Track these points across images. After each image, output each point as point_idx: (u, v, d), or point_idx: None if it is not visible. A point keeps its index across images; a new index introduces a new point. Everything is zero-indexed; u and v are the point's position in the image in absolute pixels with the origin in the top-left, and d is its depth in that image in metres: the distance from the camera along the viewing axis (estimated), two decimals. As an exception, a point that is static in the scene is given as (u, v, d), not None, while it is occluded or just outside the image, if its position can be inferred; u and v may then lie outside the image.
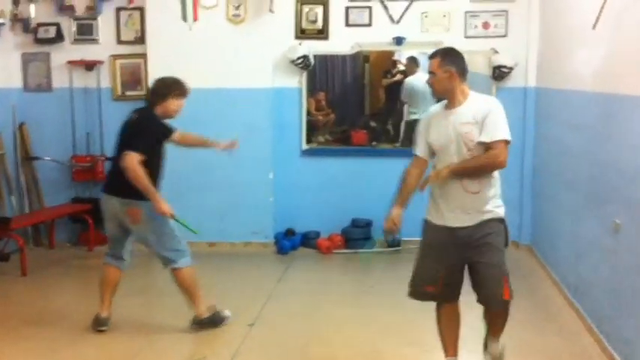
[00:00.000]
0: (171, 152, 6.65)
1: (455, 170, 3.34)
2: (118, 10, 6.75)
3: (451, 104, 3.42)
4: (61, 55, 6.80)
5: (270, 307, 5.09)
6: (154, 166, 4.34)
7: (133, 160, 4.11)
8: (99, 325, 4.50)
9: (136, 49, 6.70)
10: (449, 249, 3.46)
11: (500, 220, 3.46)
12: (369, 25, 6.62)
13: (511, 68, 6.44)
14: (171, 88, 4.44)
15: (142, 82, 6.72)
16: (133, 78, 6.79)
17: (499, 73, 6.45)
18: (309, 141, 6.95)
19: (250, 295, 5.34)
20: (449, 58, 3.40)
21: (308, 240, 6.70)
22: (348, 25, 6.64)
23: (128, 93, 6.74)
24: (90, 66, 6.73)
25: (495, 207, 3.44)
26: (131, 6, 6.71)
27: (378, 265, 6.29)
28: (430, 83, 3.46)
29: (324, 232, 6.73)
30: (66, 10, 6.74)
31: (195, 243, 6.46)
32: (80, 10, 6.76)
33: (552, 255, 5.72)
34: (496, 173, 3.43)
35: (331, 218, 6.72)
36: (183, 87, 4.50)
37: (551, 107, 5.91)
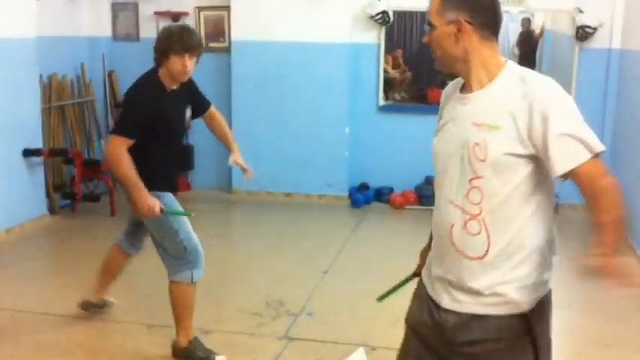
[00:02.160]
0: (247, 101, 6.85)
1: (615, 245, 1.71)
2: (205, -38, 6.92)
3: (466, 86, 1.93)
4: (149, 5, 7.03)
5: (344, 256, 5.26)
6: (158, 155, 3.40)
7: (114, 147, 3.25)
8: (86, 309, 4.01)
9: (221, 1, 6.86)
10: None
11: (519, 319, 1.84)
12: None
13: (595, 29, 6.30)
14: (171, 42, 3.27)
15: (225, 34, 6.90)
16: (216, 30, 6.97)
17: (582, 34, 6.32)
18: (385, 98, 7.01)
19: (324, 245, 5.52)
20: None
21: (381, 195, 6.82)
22: (429, -19, 6.60)
23: (211, 45, 6.92)
24: (175, 17, 6.94)
25: (511, 283, 1.83)
26: (217, -42, 6.86)
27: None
28: (428, 44, 1.95)
29: (397, 188, 6.83)
30: (154, -39, 6.96)
31: (273, 193, 6.76)
32: (168, -39, 6.96)
33: (630, 223, 5.64)
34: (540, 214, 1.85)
35: (405, 175, 6.80)
36: (186, 40, 3.28)
37: (636, 70, 5.78)
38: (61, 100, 6.47)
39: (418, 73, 8.11)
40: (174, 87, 3.41)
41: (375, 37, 6.78)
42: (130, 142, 3.26)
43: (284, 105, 6.74)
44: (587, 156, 1.72)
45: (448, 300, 1.91)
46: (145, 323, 3.98)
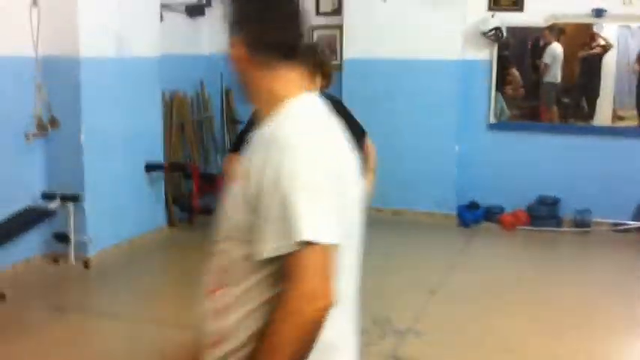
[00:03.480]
0: (363, 113, 6.89)
1: None
2: (319, -18, 7.08)
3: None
4: (264, 25, 7.26)
5: (453, 277, 5.22)
6: None
7: None
8: None
9: (333, 20, 6.99)
10: None
11: None
12: (567, -4, 6.40)
13: None
14: None
15: (337, 52, 7.03)
16: (329, 48, 7.09)
17: None
18: (496, 115, 6.91)
19: (432, 264, 5.50)
20: (241, 12, 1.55)
21: (491, 214, 6.70)
22: (545, -5, 6.48)
23: (323, 63, 7.07)
24: (290, 36, 7.13)
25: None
26: (330, -21, 7.01)
27: (564, 245, 6.18)
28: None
29: (507, 207, 6.70)
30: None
31: (381, 209, 6.79)
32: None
33: None
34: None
35: (516, 194, 6.65)
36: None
37: None
38: (181, 117, 6.80)
39: (530, 90, 7.93)
40: None
41: (487, 54, 6.71)
42: None
43: (393, 122, 6.77)
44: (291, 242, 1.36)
45: None
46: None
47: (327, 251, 1.38)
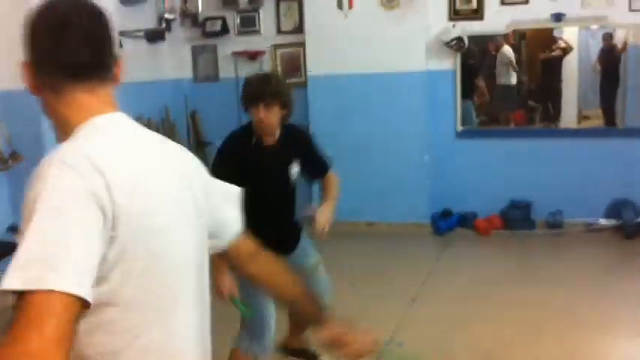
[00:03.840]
0: (326, 133, 6.91)
1: None
2: (278, 1, 7.08)
3: None
4: (227, 46, 7.25)
5: (430, 285, 5.19)
6: (253, 212, 2.98)
7: None
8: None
9: (296, 38, 7.00)
10: None
11: None
12: (526, 2, 6.48)
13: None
14: (243, 94, 3.16)
15: (301, 69, 7.02)
16: (292, 66, 7.11)
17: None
18: (463, 123, 6.94)
19: (409, 273, 5.47)
20: (25, 33, 1.36)
21: (465, 221, 6.71)
22: (503, 3, 6.54)
23: (288, 80, 7.05)
24: (253, 56, 7.12)
25: None
26: (290, -3, 7.03)
27: (538, 247, 6.20)
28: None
29: (481, 213, 6.71)
30: (230, 3, 7.16)
31: (355, 223, 6.76)
32: (243, 3, 7.15)
33: None
34: None
35: (488, 199, 6.66)
36: (247, 90, 3.13)
37: None
38: (147, 142, 6.72)
39: (496, 96, 8.00)
40: (270, 142, 3.16)
41: (451, 63, 6.75)
42: None
43: (363, 135, 6.77)
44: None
45: None
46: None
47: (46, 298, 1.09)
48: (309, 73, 6.89)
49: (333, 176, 3.45)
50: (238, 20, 7.20)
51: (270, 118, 3.05)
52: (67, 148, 1.26)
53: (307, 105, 6.90)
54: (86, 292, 1.12)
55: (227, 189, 1.65)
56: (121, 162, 1.28)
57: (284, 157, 3.21)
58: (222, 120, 7.30)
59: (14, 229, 5.12)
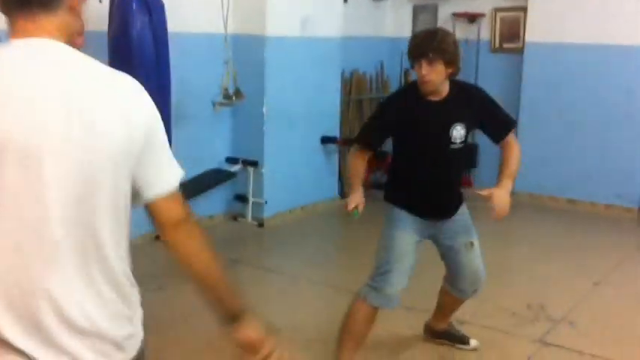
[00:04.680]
0: (538, 103, 6.72)
1: None
2: (504, -36, 6.95)
3: None
4: (448, 7, 7.27)
5: (620, 273, 4.97)
6: (405, 169, 3.20)
7: (351, 154, 3.33)
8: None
9: (518, 1, 6.83)
10: None
11: None
12: None
13: None
14: (408, 50, 3.07)
15: (520, 35, 6.86)
16: (511, 31, 6.97)
17: None
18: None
19: (601, 256, 5.27)
20: None
21: (680, 211, 6.25)
22: None
23: (505, 45, 6.96)
24: (472, 18, 7.09)
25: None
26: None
27: None
28: None
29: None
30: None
31: (555, 198, 6.59)
32: (470, -36, 7.12)
33: None
34: None
35: None
36: (410, 46, 3.03)
37: None
38: (359, 94, 7.06)
39: None
40: (436, 98, 3.04)
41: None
42: (365, 149, 3.16)
43: (576, 109, 6.51)
44: None
45: None
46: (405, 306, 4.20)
47: None
48: (527, 40, 6.72)
49: (515, 143, 3.16)
50: (463, -20, 7.19)
51: (433, 75, 2.92)
52: None
53: (522, 73, 6.76)
54: None
55: (166, 148, 1.51)
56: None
57: (447, 116, 3.03)
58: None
59: (232, 160, 5.78)
